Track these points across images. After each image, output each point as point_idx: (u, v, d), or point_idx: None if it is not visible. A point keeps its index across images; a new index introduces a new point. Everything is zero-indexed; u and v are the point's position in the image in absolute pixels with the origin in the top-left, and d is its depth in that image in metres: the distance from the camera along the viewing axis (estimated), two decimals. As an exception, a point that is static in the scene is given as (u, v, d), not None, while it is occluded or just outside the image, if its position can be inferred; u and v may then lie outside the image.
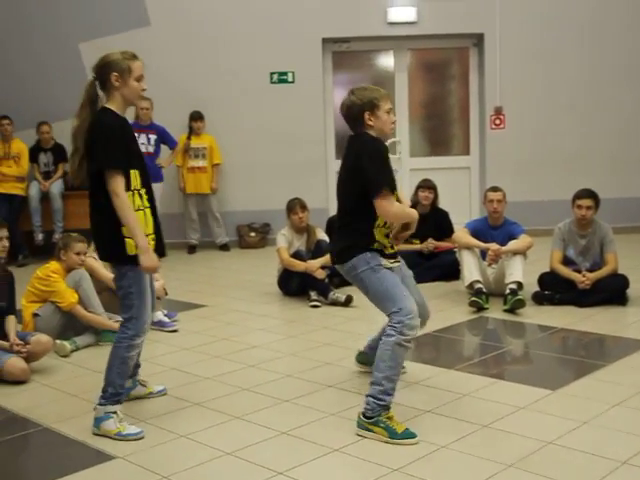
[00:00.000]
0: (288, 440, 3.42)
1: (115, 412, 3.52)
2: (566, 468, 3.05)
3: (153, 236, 3.57)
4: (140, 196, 3.51)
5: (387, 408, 3.43)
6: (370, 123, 3.59)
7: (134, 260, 3.42)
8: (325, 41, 9.29)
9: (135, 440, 3.46)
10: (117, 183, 3.36)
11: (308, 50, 9.18)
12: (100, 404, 3.54)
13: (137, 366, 3.92)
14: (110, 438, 3.47)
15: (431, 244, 6.96)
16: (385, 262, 3.58)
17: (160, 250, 3.65)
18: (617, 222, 7.81)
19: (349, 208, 3.64)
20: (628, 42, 9.28)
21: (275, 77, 9.30)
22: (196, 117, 8.95)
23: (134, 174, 3.48)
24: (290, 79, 9.27)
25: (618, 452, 3.15)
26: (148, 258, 3.41)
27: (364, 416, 3.43)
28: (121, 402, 3.59)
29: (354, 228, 3.61)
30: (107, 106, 3.50)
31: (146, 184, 3.59)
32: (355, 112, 3.61)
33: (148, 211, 3.55)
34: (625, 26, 9.27)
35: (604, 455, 3.13)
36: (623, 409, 3.66)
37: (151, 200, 3.61)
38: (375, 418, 3.40)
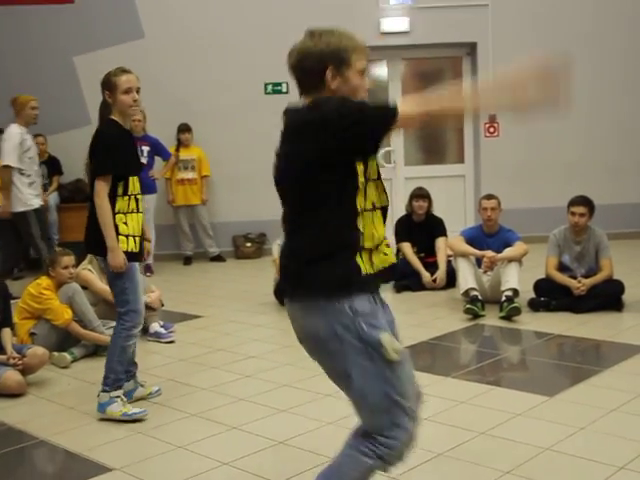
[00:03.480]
0: (285, 450, 3.42)
1: (119, 396, 3.85)
2: (563, 474, 3.05)
3: (139, 239, 3.87)
4: (136, 200, 3.85)
5: None
6: (332, 86, 2.22)
7: (129, 257, 3.76)
8: (319, 51, 9.30)
9: (141, 417, 3.81)
10: (101, 187, 3.70)
11: (302, 60, 9.18)
12: (104, 391, 3.84)
13: (134, 365, 4.13)
14: (116, 420, 3.78)
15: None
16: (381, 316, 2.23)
17: (141, 253, 3.97)
18: (612, 228, 7.83)
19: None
20: (625, 51, 9.31)
21: (270, 88, 9.32)
22: (183, 129, 8.93)
23: (132, 180, 3.82)
24: (284, 89, 9.29)
25: (615, 457, 3.15)
26: (115, 256, 3.71)
27: None
28: (122, 387, 3.91)
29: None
30: (112, 117, 3.82)
31: (142, 192, 3.95)
32: (311, 64, 2.22)
33: (141, 215, 3.89)
34: (623, 35, 9.29)
35: (601, 461, 3.13)
36: (619, 414, 3.67)
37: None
38: None
